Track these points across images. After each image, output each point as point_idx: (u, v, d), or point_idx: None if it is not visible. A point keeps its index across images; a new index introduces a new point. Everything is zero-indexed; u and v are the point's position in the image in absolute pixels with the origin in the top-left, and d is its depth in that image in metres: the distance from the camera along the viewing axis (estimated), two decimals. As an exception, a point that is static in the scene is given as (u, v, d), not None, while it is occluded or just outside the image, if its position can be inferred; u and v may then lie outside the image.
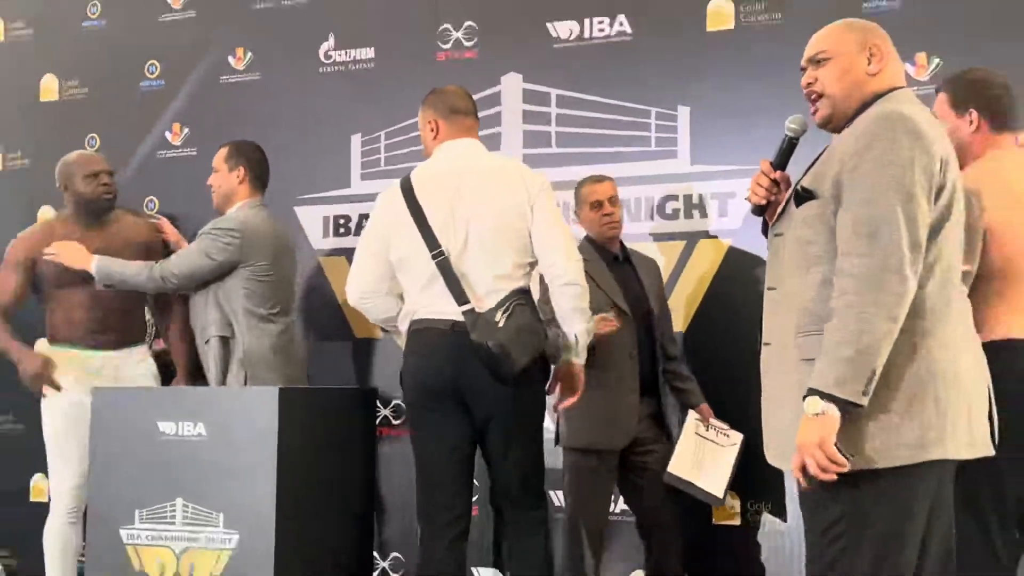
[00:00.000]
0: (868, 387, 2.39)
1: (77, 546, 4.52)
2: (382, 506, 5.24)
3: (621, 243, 4.62)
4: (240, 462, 3.36)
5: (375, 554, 5.22)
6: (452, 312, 3.52)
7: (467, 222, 3.58)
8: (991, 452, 2.61)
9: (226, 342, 4.44)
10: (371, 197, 5.42)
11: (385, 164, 5.47)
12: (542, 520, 3.82)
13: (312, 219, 5.56)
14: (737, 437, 4.36)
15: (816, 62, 2.77)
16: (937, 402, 2.47)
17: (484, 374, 3.48)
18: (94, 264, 4.47)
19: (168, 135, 5.86)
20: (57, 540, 4.48)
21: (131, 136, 5.90)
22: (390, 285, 3.73)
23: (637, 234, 4.93)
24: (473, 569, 5.15)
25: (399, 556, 5.32)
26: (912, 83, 4.61)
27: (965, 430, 2.51)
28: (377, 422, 5.23)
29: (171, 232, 4.89)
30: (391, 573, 5.32)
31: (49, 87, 6.17)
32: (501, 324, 3.43)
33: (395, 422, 5.35)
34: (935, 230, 2.52)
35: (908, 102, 2.68)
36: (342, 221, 5.52)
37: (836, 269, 2.50)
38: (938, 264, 2.53)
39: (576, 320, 3.61)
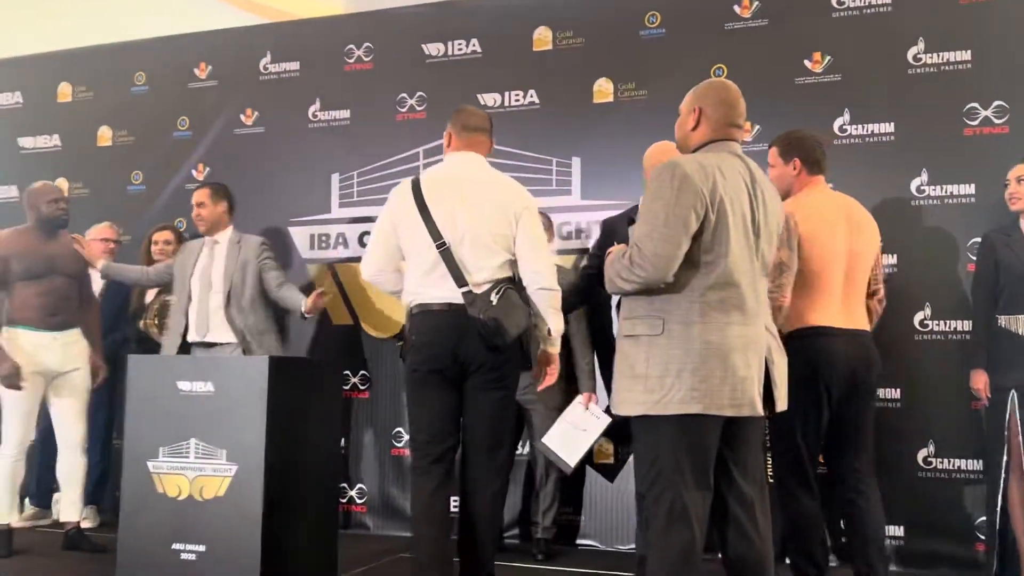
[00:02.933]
0: None
1: (20, 476, 4.51)
2: (351, 449, 5.22)
3: None
4: (239, 411, 3.30)
5: (344, 485, 5.20)
6: (451, 295, 3.20)
7: (465, 220, 3.23)
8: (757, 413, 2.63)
9: None
10: (346, 220, 5.42)
11: (357, 196, 5.43)
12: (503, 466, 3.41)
13: (301, 236, 5.50)
14: (605, 420, 4.10)
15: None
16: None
17: (479, 345, 3.18)
18: (101, 265, 4.74)
19: (194, 172, 5.77)
20: (7, 468, 4.42)
21: (165, 173, 5.81)
22: (397, 264, 3.39)
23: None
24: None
25: (362, 487, 5.27)
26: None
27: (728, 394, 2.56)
28: (347, 387, 5.23)
29: (83, 246, 4.74)
30: (357, 499, 5.27)
31: (104, 135, 6.05)
32: (495, 302, 3.14)
33: (361, 387, 5.31)
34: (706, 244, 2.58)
35: (711, 152, 2.68)
36: (323, 238, 5.47)
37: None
38: (715, 271, 2.57)
39: (550, 317, 3.28)
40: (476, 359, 3.21)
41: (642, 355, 2.58)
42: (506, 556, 4.53)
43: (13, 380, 4.35)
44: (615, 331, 3.08)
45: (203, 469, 3.34)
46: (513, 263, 3.30)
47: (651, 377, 2.56)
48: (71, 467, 4.58)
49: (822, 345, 3.31)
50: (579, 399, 4.30)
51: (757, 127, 4.68)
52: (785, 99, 4.65)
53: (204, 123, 5.81)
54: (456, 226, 3.23)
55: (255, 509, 3.24)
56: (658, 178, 2.58)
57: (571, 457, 4.11)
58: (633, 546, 4.38)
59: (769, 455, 3.41)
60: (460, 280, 3.20)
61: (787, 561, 3.49)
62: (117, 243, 5.40)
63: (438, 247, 3.22)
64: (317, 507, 3.56)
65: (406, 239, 3.31)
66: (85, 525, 4.80)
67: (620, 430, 3.27)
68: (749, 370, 2.58)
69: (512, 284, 3.26)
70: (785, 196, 3.45)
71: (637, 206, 2.84)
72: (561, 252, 4.95)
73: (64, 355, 4.54)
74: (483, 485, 3.30)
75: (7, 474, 4.41)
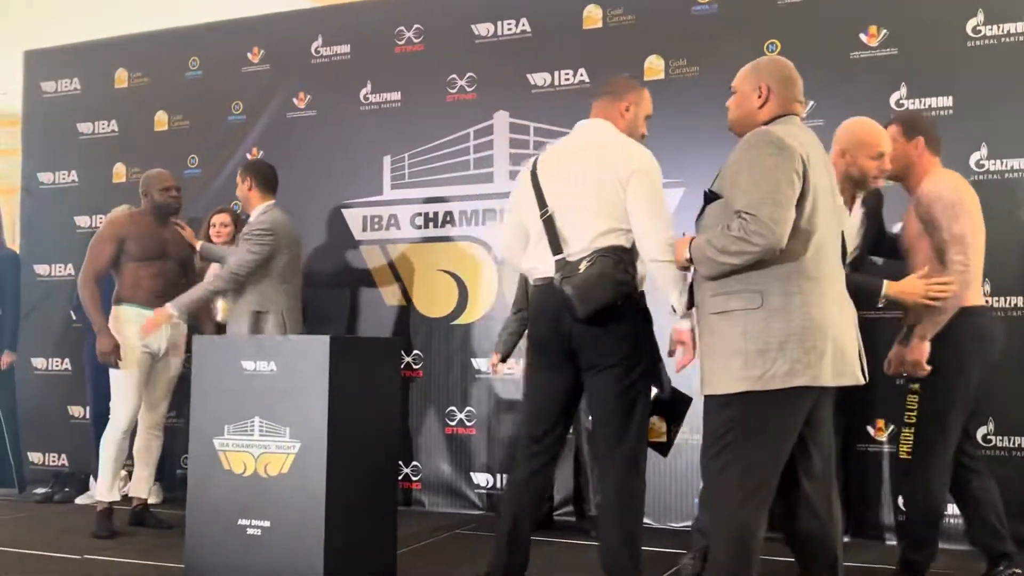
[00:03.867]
0: None
1: (125, 453, 4.62)
2: (406, 427, 5.29)
3: None
4: (301, 390, 3.37)
5: (400, 462, 5.28)
6: (551, 266, 3.02)
7: (571, 188, 3.02)
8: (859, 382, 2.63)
9: (260, 316, 4.52)
10: (398, 202, 5.47)
11: (408, 178, 5.47)
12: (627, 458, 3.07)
13: (354, 218, 5.57)
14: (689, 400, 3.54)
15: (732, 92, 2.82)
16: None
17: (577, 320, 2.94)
18: (172, 307, 4.50)
19: (248, 156, 5.84)
20: (114, 448, 4.53)
21: (221, 156, 5.90)
22: (524, 241, 3.18)
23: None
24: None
25: (417, 464, 5.35)
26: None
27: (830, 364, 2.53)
28: (402, 365, 5.30)
29: (188, 233, 4.86)
30: (412, 477, 5.36)
31: (161, 120, 6.15)
32: (582, 270, 2.91)
33: (415, 367, 5.38)
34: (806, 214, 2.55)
35: (784, 124, 2.65)
36: (376, 219, 5.53)
37: None
38: (811, 241, 2.54)
39: (668, 290, 2.95)
40: (578, 337, 3.00)
41: (738, 330, 2.52)
42: (559, 533, 4.59)
43: (110, 358, 4.48)
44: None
45: (267, 446, 3.42)
46: (626, 232, 3.01)
47: (751, 352, 2.50)
48: (148, 446, 4.72)
49: (987, 323, 3.45)
50: None
51: (811, 103, 4.62)
52: (840, 74, 4.60)
53: (258, 107, 5.88)
54: (562, 194, 3.05)
55: (318, 485, 3.31)
56: (754, 147, 2.54)
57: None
58: (688, 523, 4.41)
59: (912, 429, 3.46)
60: (556, 249, 3.02)
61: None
62: (227, 227, 5.36)
63: (541, 216, 3.06)
64: (377, 484, 3.63)
65: (523, 213, 3.17)
66: (150, 502, 4.93)
67: (670, 407, 3.19)
68: (849, 338, 2.57)
69: (612, 252, 2.96)
70: (901, 174, 3.51)
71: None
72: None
73: (168, 336, 4.67)
74: (605, 478, 3.07)
75: (113, 452, 4.54)
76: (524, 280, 4.52)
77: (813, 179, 2.54)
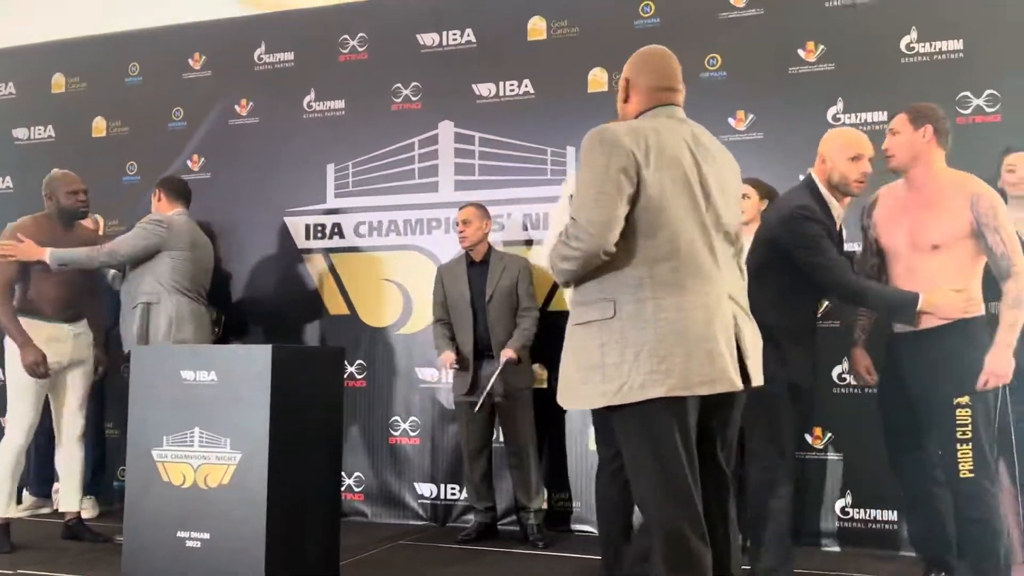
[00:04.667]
0: None
1: (22, 467, 4.53)
2: (350, 437, 5.25)
3: (489, 248, 4.76)
4: (243, 400, 3.34)
5: (343, 473, 5.23)
6: None
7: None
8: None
9: (150, 308, 4.53)
10: (342, 210, 5.45)
11: (352, 186, 5.46)
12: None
13: (297, 226, 5.53)
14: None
15: None
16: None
17: None
18: (48, 254, 4.45)
19: (189, 163, 5.79)
20: (10, 463, 4.42)
21: (160, 164, 5.80)
22: None
23: (540, 237, 5.03)
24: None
25: (360, 475, 5.32)
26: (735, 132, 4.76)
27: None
28: (345, 375, 5.25)
29: (27, 245, 4.61)
30: (354, 487, 5.32)
31: (99, 126, 6.05)
32: None
33: (358, 376, 5.35)
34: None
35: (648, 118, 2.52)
36: (319, 228, 5.50)
37: None
38: (660, 239, 2.38)
39: None
40: None
41: (596, 342, 2.38)
42: (502, 543, 4.61)
43: (39, 368, 4.36)
44: None
45: (207, 457, 3.38)
46: None
47: (608, 365, 2.35)
48: (71, 458, 4.61)
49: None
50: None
51: (751, 116, 4.74)
52: (779, 88, 4.70)
53: (199, 114, 5.82)
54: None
55: (259, 497, 3.28)
56: (586, 148, 2.42)
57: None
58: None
59: (968, 446, 3.28)
60: None
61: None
62: (95, 233, 5.33)
63: None
64: (320, 494, 3.60)
65: None
66: (85, 515, 4.83)
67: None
68: (715, 342, 2.35)
69: None
70: (908, 163, 3.41)
71: None
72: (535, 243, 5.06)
73: (74, 347, 4.58)
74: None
75: (9, 465, 4.42)
76: (441, 290, 4.75)
77: (658, 175, 2.37)
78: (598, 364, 2.37)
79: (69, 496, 4.65)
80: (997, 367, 3.26)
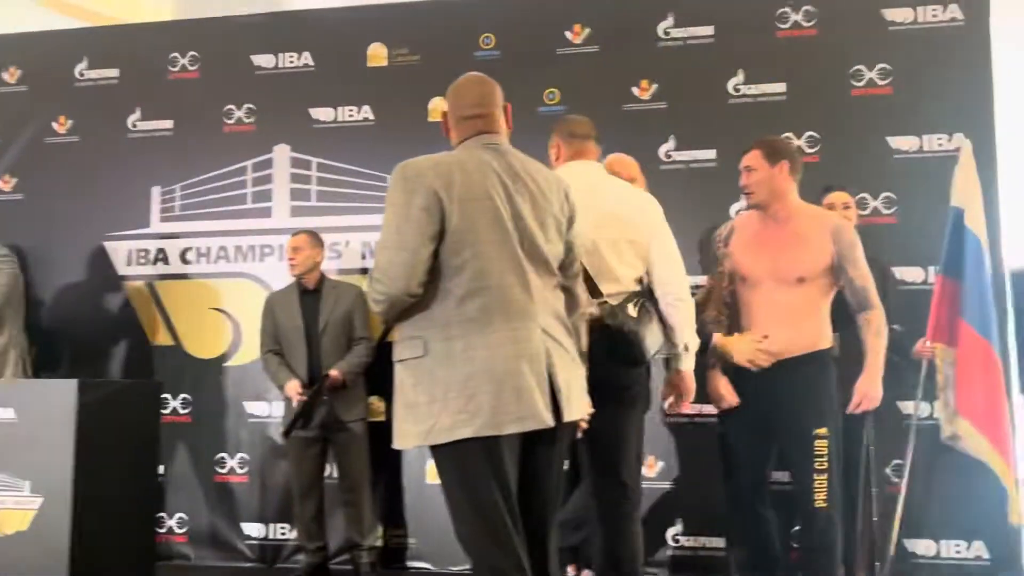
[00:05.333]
0: None
1: None
2: (171, 476, 4.97)
3: (321, 276, 4.65)
4: (44, 439, 3.11)
5: (163, 514, 4.95)
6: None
7: (597, 233, 2.95)
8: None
9: None
10: (167, 235, 5.20)
11: (180, 210, 5.22)
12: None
13: (118, 252, 5.23)
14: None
15: None
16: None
17: (616, 359, 2.91)
18: None
19: (0, 183, 5.41)
20: None
21: (-32, 183, 5.42)
22: None
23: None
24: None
25: (183, 516, 5.03)
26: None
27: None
28: (167, 411, 4.98)
29: None
30: (176, 529, 5.03)
31: None
32: (635, 315, 2.89)
33: (182, 411, 5.08)
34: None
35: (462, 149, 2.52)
36: (142, 253, 5.22)
37: None
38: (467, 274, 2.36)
39: (686, 331, 3.07)
40: (612, 376, 2.92)
41: (410, 381, 2.37)
42: (335, 583, 4.45)
43: None
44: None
45: (4, 502, 3.13)
46: (642, 278, 3.10)
47: (420, 404, 2.34)
48: None
49: None
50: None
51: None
52: (614, 124, 4.78)
53: (12, 131, 5.45)
54: (588, 238, 2.87)
55: (62, 543, 3.07)
56: (391, 184, 2.41)
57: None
58: (467, 567, 4.37)
59: (824, 476, 3.33)
60: (595, 292, 2.91)
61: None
62: None
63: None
64: (132, 538, 3.40)
65: None
66: None
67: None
68: (524, 378, 2.32)
69: (646, 297, 3.03)
70: (768, 200, 3.44)
71: None
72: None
73: None
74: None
75: None
76: (271, 320, 4.61)
77: (464, 209, 2.34)
78: (412, 403, 2.35)
79: None
80: (870, 390, 3.43)
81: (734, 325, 3.51)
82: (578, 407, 2.50)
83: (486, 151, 2.47)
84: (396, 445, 2.43)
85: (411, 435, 2.36)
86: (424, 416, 2.32)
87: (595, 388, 2.73)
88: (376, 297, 2.35)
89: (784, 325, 3.36)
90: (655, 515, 4.57)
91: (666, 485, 4.62)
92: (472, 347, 2.31)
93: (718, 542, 4.51)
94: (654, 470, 4.64)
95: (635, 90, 4.84)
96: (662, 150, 4.76)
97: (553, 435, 2.42)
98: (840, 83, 4.66)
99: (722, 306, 3.57)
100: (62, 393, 3.15)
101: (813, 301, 3.42)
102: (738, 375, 3.49)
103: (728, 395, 3.56)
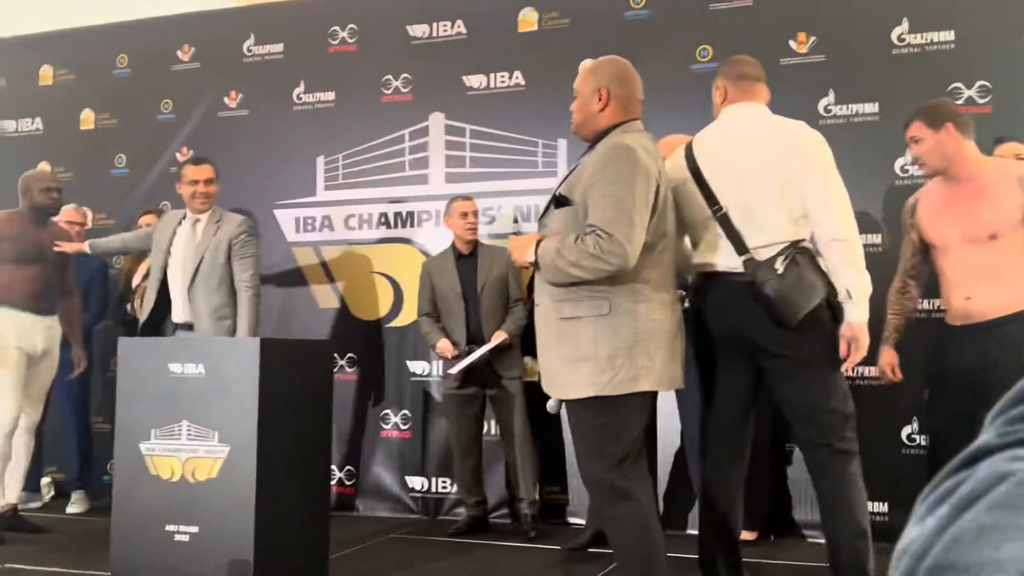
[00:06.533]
0: None
1: (9, 457, 4.54)
2: (341, 431, 5.23)
3: (476, 243, 4.72)
4: (231, 393, 3.31)
5: (333, 466, 5.22)
6: (732, 264, 2.84)
7: (742, 180, 2.85)
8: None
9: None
10: (331, 203, 5.43)
11: (342, 179, 5.44)
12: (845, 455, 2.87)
13: (287, 219, 5.51)
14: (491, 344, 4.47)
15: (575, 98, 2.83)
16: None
17: (767, 321, 2.77)
18: (87, 245, 4.71)
19: (178, 155, 5.75)
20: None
21: (149, 156, 5.78)
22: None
23: (530, 229, 5.00)
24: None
25: (351, 468, 5.30)
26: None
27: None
28: (335, 369, 5.24)
29: (67, 246, 4.74)
30: (346, 481, 5.31)
31: (87, 118, 6.02)
32: (781, 271, 2.72)
33: (348, 370, 5.33)
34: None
35: (632, 132, 2.69)
36: (309, 221, 5.48)
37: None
38: (656, 251, 2.65)
39: (846, 274, 2.78)
40: (770, 337, 2.82)
41: (588, 335, 2.57)
42: (494, 535, 4.59)
43: None
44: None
45: (195, 451, 3.35)
46: (803, 221, 2.85)
47: (600, 358, 2.55)
48: (19, 447, 4.62)
49: None
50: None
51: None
52: (771, 80, 4.65)
53: (187, 106, 5.78)
54: (733, 188, 2.86)
55: (248, 490, 3.25)
56: (612, 163, 2.54)
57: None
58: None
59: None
60: (741, 248, 2.83)
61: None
62: (82, 225, 5.36)
63: (715, 213, 2.87)
64: (309, 488, 3.58)
65: (682, 209, 2.93)
66: (75, 510, 4.85)
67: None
68: (680, 342, 2.69)
69: (802, 248, 2.81)
70: (944, 165, 3.28)
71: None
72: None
73: (45, 339, 4.61)
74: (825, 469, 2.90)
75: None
76: (428, 284, 4.71)
77: (662, 191, 2.64)
78: (590, 356, 2.56)
79: (10, 487, 4.65)
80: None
81: (931, 293, 3.41)
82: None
83: (644, 136, 2.71)
84: (559, 396, 2.64)
85: (582, 386, 2.57)
86: (604, 368, 2.54)
87: (753, 351, 2.86)
88: (604, 268, 2.51)
89: (982, 285, 3.20)
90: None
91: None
92: (652, 310, 2.58)
93: (880, 507, 4.40)
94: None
95: (792, 43, 4.71)
96: (821, 104, 4.62)
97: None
98: (1012, 30, 4.40)
99: (907, 278, 3.50)
100: (246, 350, 3.33)
101: (1011, 257, 3.20)
102: (945, 341, 3.37)
103: (889, 372, 3.50)
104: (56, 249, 4.62)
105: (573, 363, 2.58)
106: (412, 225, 5.28)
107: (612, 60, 2.79)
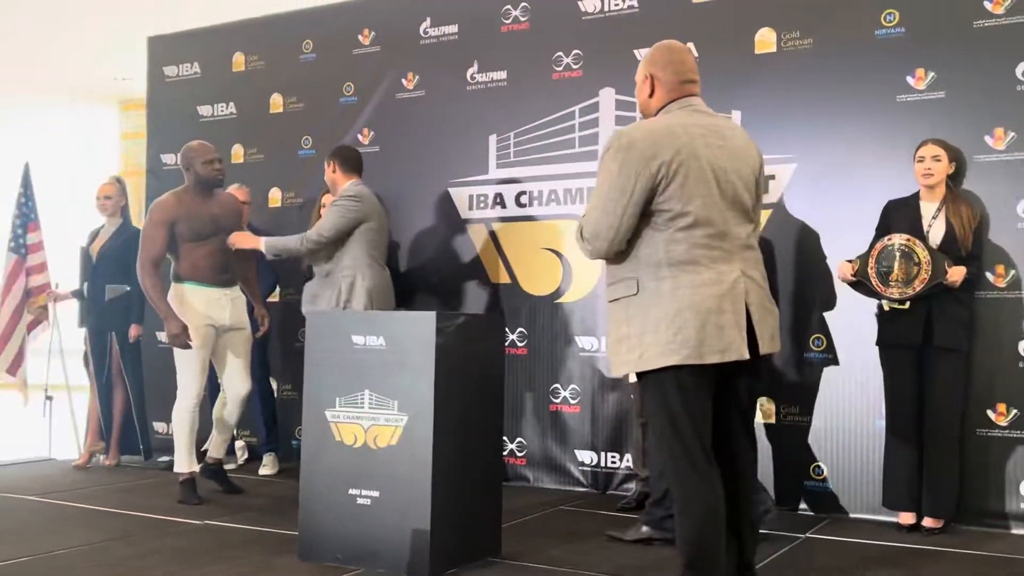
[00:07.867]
0: None
1: (196, 424, 4.75)
2: (511, 404, 5.33)
3: None
4: (409, 365, 3.44)
5: (505, 438, 5.34)
6: None
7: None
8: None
9: (353, 284, 4.65)
10: (504, 181, 5.51)
11: (514, 156, 5.50)
12: None
13: (461, 197, 5.63)
14: None
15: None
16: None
17: None
18: (262, 244, 4.78)
19: (360, 136, 5.97)
20: (186, 421, 4.70)
21: (334, 137, 6.01)
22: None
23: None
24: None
25: (522, 440, 5.40)
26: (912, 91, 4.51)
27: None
28: (507, 343, 5.34)
29: (245, 198, 5.07)
30: (517, 452, 5.41)
31: (276, 102, 6.31)
32: None
33: (519, 344, 5.42)
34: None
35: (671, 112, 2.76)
36: (482, 198, 5.58)
37: None
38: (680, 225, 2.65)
39: None
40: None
41: (622, 316, 2.70)
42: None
43: (181, 339, 4.60)
44: None
45: (377, 419, 3.50)
46: None
47: (632, 336, 2.66)
48: (230, 416, 4.94)
49: None
50: None
51: (932, 74, 4.46)
52: (963, 44, 4.40)
53: (368, 88, 5.98)
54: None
55: (425, 457, 3.38)
56: (604, 150, 2.70)
57: None
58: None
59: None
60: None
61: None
62: (247, 204, 5.59)
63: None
64: (482, 457, 3.68)
65: None
66: (265, 472, 5.20)
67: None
68: (726, 316, 2.61)
69: None
70: None
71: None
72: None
73: (233, 310, 4.84)
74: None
75: (187, 426, 4.71)
76: None
77: (685, 166, 2.61)
78: (625, 335, 2.68)
79: (220, 446, 5.01)
80: None
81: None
82: (770, 343, 2.74)
83: (692, 114, 2.74)
84: (612, 374, 2.79)
85: (624, 364, 2.71)
86: (636, 346, 2.65)
87: None
88: (585, 253, 2.78)
89: None
90: (1007, 469, 4.26)
91: (1017, 434, 4.28)
92: (680, 287, 2.61)
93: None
94: (1004, 419, 4.30)
95: (987, 4, 4.40)
96: (1019, 69, 4.31)
97: (749, 367, 2.71)
98: None
99: None
100: (423, 324, 3.46)
101: None
102: None
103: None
104: (230, 245, 4.80)
105: (615, 343, 2.73)
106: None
107: (657, 46, 2.89)
